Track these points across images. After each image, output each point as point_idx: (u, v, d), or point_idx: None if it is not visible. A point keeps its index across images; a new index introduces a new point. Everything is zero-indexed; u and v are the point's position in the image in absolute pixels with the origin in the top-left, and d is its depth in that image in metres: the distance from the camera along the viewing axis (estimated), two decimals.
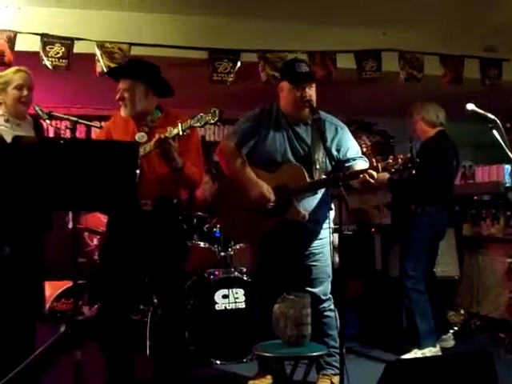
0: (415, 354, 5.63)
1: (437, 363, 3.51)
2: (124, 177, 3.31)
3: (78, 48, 5.18)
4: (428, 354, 5.60)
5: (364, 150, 7.43)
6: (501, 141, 4.19)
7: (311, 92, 4.47)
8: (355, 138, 4.85)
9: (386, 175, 5.18)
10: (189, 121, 4.02)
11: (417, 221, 5.72)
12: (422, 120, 5.84)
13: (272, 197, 4.42)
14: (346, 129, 4.73)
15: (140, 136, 4.20)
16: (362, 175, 4.15)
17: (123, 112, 4.32)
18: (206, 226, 5.98)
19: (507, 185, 7.27)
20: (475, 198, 7.65)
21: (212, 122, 4.04)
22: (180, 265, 4.45)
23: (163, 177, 4.24)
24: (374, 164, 4.10)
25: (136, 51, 5.24)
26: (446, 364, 3.51)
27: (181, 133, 3.99)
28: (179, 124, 4.00)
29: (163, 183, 4.25)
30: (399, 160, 3.96)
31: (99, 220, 6.20)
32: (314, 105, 4.47)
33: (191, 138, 4.25)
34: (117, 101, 4.26)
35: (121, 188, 3.33)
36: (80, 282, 5.92)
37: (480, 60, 6.26)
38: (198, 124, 4.01)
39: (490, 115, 4.26)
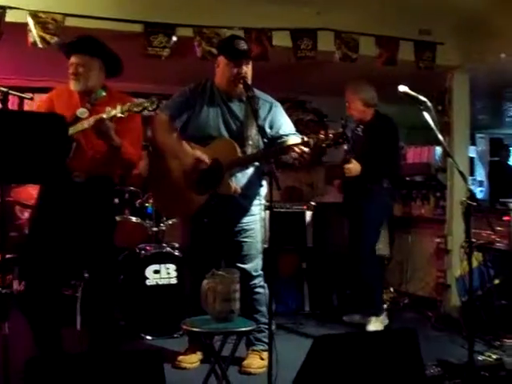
0: (375, 322, 5.88)
1: (362, 339, 3.56)
2: (53, 149, 3.25)
3: (10, 17, 5.05)
4: (385, 322, 5.89)
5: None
6: (431, 123, 4.24)
7: (247, 69, 4.50)
8: (289, 116, 4.87)
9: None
10: (127, 104, 4.02)
11: (375, 199, 5.90)
12: (359, 100, 5.90)
13: (207, 159, 4.42)
14: (280, 106, 4.77)
15: (81, 111, 4.19)
16: (293, 150, 4.18)
17: (74, 86, 4.30)
18: (138, 201, 5.95)
19: (437, 166, 7.42)
20: (407, 178, 7.78)
21: (150, 109, 4.06)
22: (108, 239, 4.42)
23: (100, 154, 4.23)
24: (306, 139, 4.13)
25: (70, 22, 5.13)
26: (371, 340, 3.57)
27: (118, 115, 3.99)
28: (118, 106, 3.99)
29: (99, 160, 4.24)
30: (330, 135, 3.99)
31: (30, 193, 6.10)
32: (249, 82, 4.48)
33: (132, 120, 4.24)
34: (55, 73, 4.24)
35: (50, 160, 3.28)
36: (10, 255, 5.82)
37: (414, 42, 6.31)
38: (136, 109, 4.02)
39: (421, 97, 4.30)
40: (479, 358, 4.90)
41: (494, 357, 4.98)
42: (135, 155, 4.37)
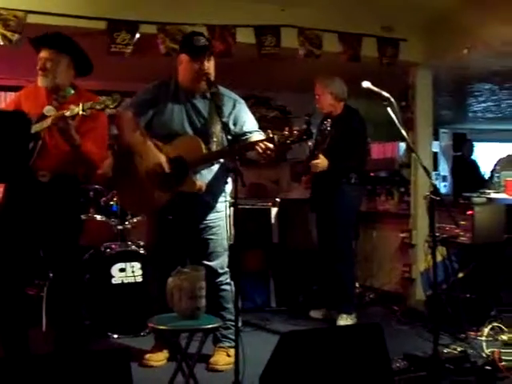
0: (346, 319, 5.92)
1: (329, 334, 3.59)
2: (16, 147, 3.23)
3: None
4: (354, 320, 5.94)
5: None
6: (395, 119, 4.28)
7: (209, 65, 4.49)
8: (253, 112, 4.88)
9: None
10: (90, 102, 3.99)
11: (345, 195, 5.93)
12: (329, 93, 5.91)
13: (166, 166, 4.42)
14: (244, 103, 4.77)
15: (48, 109, 4.15)
16: (258, 146, 4.18)
17: (41, 82, 4.27)
18: (103, 199, 5.91)
19: (401, 162, 7.48)
20: (372, 174, 7.83)
21: (111, 106, 4.03)
22: (74, 238, 4.39)
23: (65, 152, 4.18)
24: (270, 135, 4.14)
25: (32, 19, 5.08)
26: (337, 335, 3.59)
27: (80, 112, 3.95)
28: (80, 104, 3.96)
29: (64, 158, 4.20)
30: (294, 132, 4.01)
31: None
32: (212, 78, 4.49)
33: (97, 119, 4.22)
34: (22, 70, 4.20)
35: (13, 158, 3.25)
36: None
37: (378, 39, 6.36)
38: (98, 107, 3.99)
39: (384, 93, 4.34)
40: (444, 351, 4.94)
41: (459, 349, 5.03)
42: (98, 154, 4.33)
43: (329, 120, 5.92)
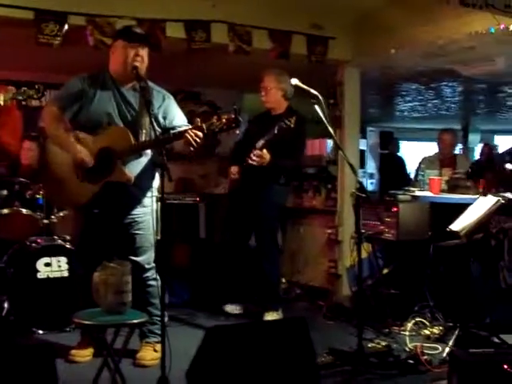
0: (273, 315, 5.98)
1: (254, 329, 3.62)
2: None
3: None
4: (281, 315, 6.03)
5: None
6: (322, 116, 4.33)
7: (143, 54, 4.47)
8: (182, 107, 4.88)
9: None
10: (11, 93, 3.94)
11: (275, 194, 6.02)
12: (280, 90, 5.91)
13: (89, 161, 4.39)
14: (173, 99, 4.80)
15: None
16: (187, 134, 4.20)
17: None
18: (29, 192, 5.81)
19: (329, 158, 7.56)
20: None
21: (35, 97, 4.00)
22: None
23: None
24: (199, 124, 4.15)
25: None
26: (263, 330, 3.63)
27: (1, 102, 3.90)
28: (1, 94, 3.90)
29: None
30: (223, 120, 4.03)
31: None
32: (143, 69, 4.48)
33: (10, 112, 4.17)
34: None
35: None
36: None
37: (307, 37, 6.41)
38: (20, 97, 3.95)
39: (312, 91, 4.39)
40: (369, 346, 5.04)
41: (383, 344, 5.14)
42: (13, 146, 4.31)
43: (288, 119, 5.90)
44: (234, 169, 6.05)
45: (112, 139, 4.43)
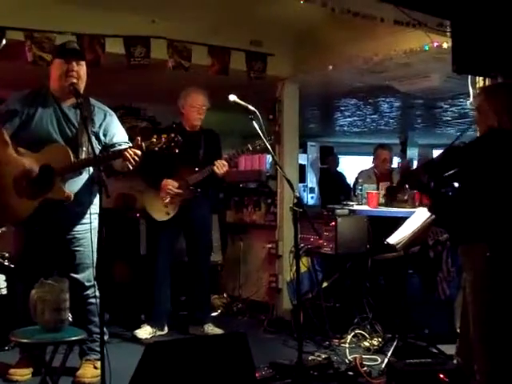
0: (212, 329, 6.09)
1: (193, 344, 3.63)
2: None
3: None
4: None
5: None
6: (259, 131, 4.38)
7: (79, 69, 4.48)
8: (123, 123, 4.88)
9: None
10: None
11: (209, 206, 6.29)
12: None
13: (35, 169, 4.35)
14: (115, 116, 4.81)
15: None
16: (126, 153, 4.21)
17: None
18: None
19: (268, 173, 7.62)
20: (241, 185, 7.94)
21: None
22: None
23: None
24: (138, 142, 4.17)
25: None
26: (203, 344, 3.64)
27: None
28: None
29: None
30: (162, 139, 4.06)
31: None
32: (82, 85, 4.49)
33: None
34: None
35: None
36: None
37: (246, 53, 6.46)
38: None
39: (250, 107, 4.42)
40: (309, 358, 5.09)
41: (323, 356, 5.18)
42: None
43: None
44: (171, 182, 6.00)
45: (52, 157, 4.40)
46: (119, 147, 4.60)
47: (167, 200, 5.91)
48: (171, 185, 5.91)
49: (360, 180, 7.38)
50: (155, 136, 4.13)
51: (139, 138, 4.17)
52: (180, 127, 6.05)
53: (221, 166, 5.90)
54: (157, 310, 6.09)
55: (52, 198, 4.38)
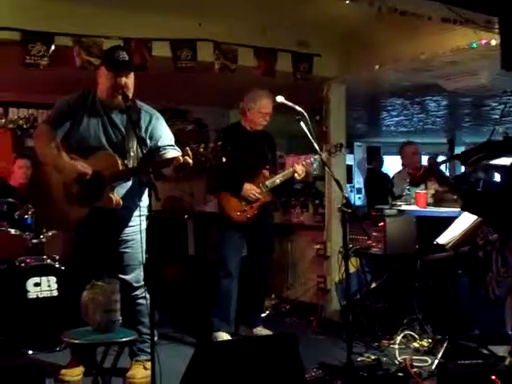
0: (261, 330, 6.06)
1: (245, 345, 3.64)
2: None
3: None
4: None
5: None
6: (307, 132, 4.37)
7: (127, 80, 4.47)
8: (170, 126, 4.89)
9: None
10: (2, 121, 3.99)
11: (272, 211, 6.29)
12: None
13: (89, 170, 4.38)
14: (162, 118, 4.77)
15: None
16: (175, 162, 4.20)
17: None
18: (17, 212, 5.81)
19: (315, 174, 7.60)
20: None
21: (25, 127, 4.03)
22: None
23: None
24: (189, 152, 4.16)
25: None
26: (253, 345, 3.65)
27: None
28: None
29: None
30: (210, 149, 4.04)
31: None
32: (130, 93, 4.47)
33: (2, 134, 4.20)
34: None
35: None
36: None
37: (292, 54, 6.46)
38: (11, 126, 3.99)
39: (297, 108, 4.43)
40: (358, 359, 5.07)
41: (372, 357, 5.17)
42: (1, 167, 4.37)
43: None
44: (253, 188, 5.91)
45: (101, 164, 4.42)
46: (164, 151, 4.62)
47: (248, 204, 5.86)
48: (254, 190, 5.84)
49: (394, 181, 7.35)
50: (203, 145, 4.10)
51: (188, 149, 4.14)
52: (240, 127, 6.02)
53: (302, 171, 5.91)
54: (228, 310, 5.95)
55: (101, 206, 4.43)
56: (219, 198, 5.92)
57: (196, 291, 6.79)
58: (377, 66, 6.45)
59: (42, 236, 5.82)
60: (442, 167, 5.11)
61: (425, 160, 7.77)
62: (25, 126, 4.02)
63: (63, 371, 4.71)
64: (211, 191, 6.34)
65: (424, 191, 6.43)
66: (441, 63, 6.18)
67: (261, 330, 6.05)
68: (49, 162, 4.53)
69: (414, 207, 6.28)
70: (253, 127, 5.98)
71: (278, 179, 5.90)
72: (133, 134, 4.35)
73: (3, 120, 4.05)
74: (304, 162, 5.96)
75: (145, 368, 4.67)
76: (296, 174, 5.89)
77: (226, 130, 6.28)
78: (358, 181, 12.86)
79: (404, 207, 6.26)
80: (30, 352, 5.34)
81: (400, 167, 7.80)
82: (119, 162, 4.40)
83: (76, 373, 4.71)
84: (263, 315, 6.79)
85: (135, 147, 4.45)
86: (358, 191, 12.73)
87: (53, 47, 5.37)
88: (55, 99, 4.80)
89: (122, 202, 4.41)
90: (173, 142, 4.71)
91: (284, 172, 5.95)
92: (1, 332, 5.30)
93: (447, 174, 7.61)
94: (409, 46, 6.01)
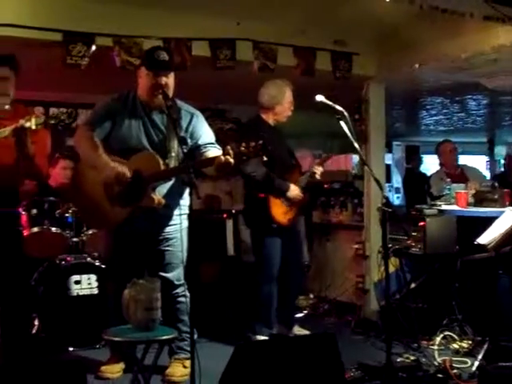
0: (299, 330, 6.05)
1: (284, 344, 3.63)
2: None
3: None
4: None
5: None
6: (347, 131, 4.36)
7: (167, 80, 4.50)
8: (210, 125, 4.89)
9: None
10: (43, 117, 4.04)
11: None
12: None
13: (128, 172, 4.40)
14: (201, 116, 4.79)
15: None
16: (217, 162, 4.19)
17: (3, 100, 4.37)
18: (58, 211, 5.86)
19: (354, 173, 7.57)
20: (325, 185, 7.91)
21: (67, 122, 4.06)
22: (13, 250, 4.51)
23: (7, 167, 4.30)
24: (229, 151, 4.15)
25: None
26: (293, 345, 3.64)
27: (33, 127, 3.99)
28: (33, 118, 4.00)
29: (6, 174, 4.31)
30: (251, 148, 4.02)
31: None
32: (170, 93, 4.49)
33: (38, 132, 4.25)
34: None
35: None
36: None
37: (331, 53, 6.44)
38: (53, 121, 4.04)
39: (337, 107, 4.42)
40: (397, 360, 5.04)
41: (412, 358, 5.14)
42: (44, 166, 4.43)
43: None
44: (296, 187, 5.82)
45: (142, 165, 4.45)
46: (205, 150, 4.63)
47: (289, 205, 5.77)
48: (298, 190, 5.77)
49: (432, 183, 7.30)
50: (244, 144, 4.07)
51: (229, 147, 4.12)
52: (263, 122, 5.84)
53: (320, 171, 5.90)
54: (270, 314, 5.87)
55: (143, 206, 4.46)
56: (261, 199, 5.74)
57: (234, 292, 6.77)
58: (417, 65, 6.41)
59: (82, 234, 5.88)
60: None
61: (462, 159, 7.74)
62: (66, 122, 4.05)
63: (103, 368, 4.76)
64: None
65: (465, 191, 6.37)
66: (482, 61, 6.12)
67: (299, 330, 6.04)
68: (89, 162, 4.58)
69: (454, 207, 6.22)
70: (279, 120, 5.87)
71: (306, 178, 5.88)
72: (173, 133, 4.36)
73: (43, 117, 4.07)
74: (317, 162, 5.94)
75: (184, 366, 4.69)
76: (317, 175, 5.87)
77: (252, 125, 5.96)
78: (397, 180, 12.77)
79: (444, 207, 6.20)
80: (71, 349, 5.39)
81: (438, 167, 7.74)
82: (161, 162, 4.42)
83: (116, 369, 4.76)
84: (301, 315, 6.79)
85: (176, 147, 4.48)
86: (397, 191, 12.64)
87: (93, 47, 5.42)
88: (95, 99, 4.84)
89: (163, 201, 4.44)
90: (213, 140, 4.73)
91: (309, 171, 5.92)
92: (42, 329, 5.36)
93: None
94: (450, 44, 5.96)
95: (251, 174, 5.51)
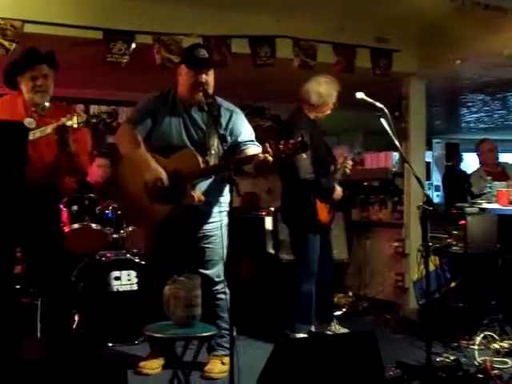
0: (338, 328, 6.02)
1: (323, 342, 3.62)
2: (14, 158, 3.22)
3: None
4: None
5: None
6: (388, 129, 4.33)
7: (208, 77, 4.51)
8: (249, 122, 4.89)
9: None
10: (85, 116, 4.07)
11: None
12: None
13: (165, 178, 4.43)
14: (241, 113, 4.79)
15: (29, 121, 4.17)
16: (256, 160, 4.18)
17: (40, 99, 4.38)
18: (98, 207, 5.90)
19: (394, 171, 7.52)
20: (365, 183, 7.88)
21: (108, 121, 4.09)
22: (56, 246, 4.54)
23: (49, 165, 4.34)
24: (268, 149, 4.14)
25: (29, 29, 5.11)
26: (332, 343, 3.63)
27: (75, 125, 4.03)
28: (75, 117, 4.04)
29: (48, 171, 4.34)
30: (290, 146, 3.99)
31: None
32: (210, 90, 4.50)
33: (81, 130, 4.29)
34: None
35: (12, 169, 3.25)
36: None
37: (371, 50, 6.41)
38: (94, 120, 4.06)
39: (378, 104, 4.38)
40: (437, 360, 5.00)
41: (452, 358, 5.08)
42: (86, 164, 4.47)
43: None
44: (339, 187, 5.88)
45: (182, 163, 4.46)
46: (244, 147, 4.62)
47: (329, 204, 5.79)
48: (340, 191, 5.81)
49: (472, 182, 7.22)
50: (283, 142, 4.04)
51: (268, 145, 4.10)
52: (306, 117, 5.73)
53: (350, 165, 5.90)
54: (310, 312, 5.84)
55: (183, 204, 4.47)
56: (306, 200, 5.64)
57: (273, 290, 6.76)
58: (458, 62, 6.34)
59: (122, 231, 5.91)
60: None
61: (503, 157, 7.64)
62: (108, 121, 4.06)
63: (142, 363, 4.79)
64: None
65: (506, 189, 6.29)
66: None
67: (338, 328, 6.02)
68: (132, 161, 4.61)
69: (495, 205, 6.15)
70: (320, 116, 5.78)
71: (340, 173, 5.85)
72: (213, 131, 4.38)
73: (85, 116, 4.10)
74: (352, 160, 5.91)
75: (222, 363, 4.70)
76: (348, 171, 5.83)
77: (294, 121, 5.81)
78: (436, 178, 12.65)
79: (485, 205, 6.13)
80: (111, 344, 5.44)
81: (478, 165, 7.67)
82: (200, 160, 4.43)
83: (155, 365, 4.79)
84: (339, 312, 6.77)
85: (216, 144, 4.49)
86: (436, 188, 12.52)
87: (133, 45, 5.45)
88: (136, 97, 4.87)
89: (203, 198, 4.45)
90: (253, 138, 4.72)
91: (339, 168, 5.89)
92: (83, 325, 5.41)
93: None
94: (491, 40, 5.88)
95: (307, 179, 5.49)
